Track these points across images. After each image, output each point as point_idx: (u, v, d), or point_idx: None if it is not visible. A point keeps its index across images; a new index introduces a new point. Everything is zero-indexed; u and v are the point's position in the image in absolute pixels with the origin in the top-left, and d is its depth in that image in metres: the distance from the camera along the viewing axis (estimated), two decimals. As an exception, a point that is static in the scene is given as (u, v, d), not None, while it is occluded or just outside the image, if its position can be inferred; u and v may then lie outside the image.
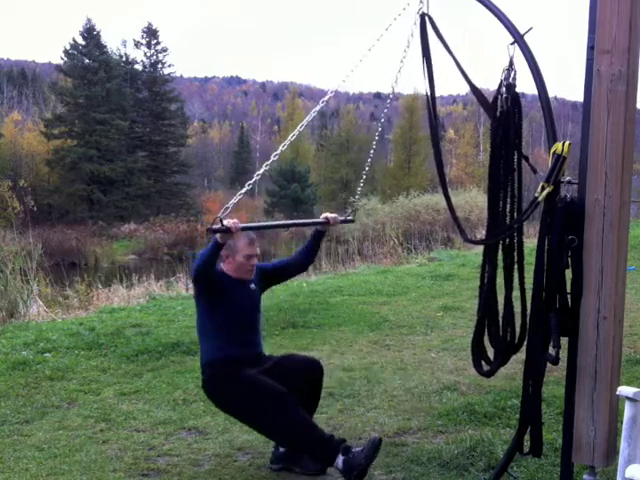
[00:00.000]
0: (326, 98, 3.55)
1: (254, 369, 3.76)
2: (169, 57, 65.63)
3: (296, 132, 3.57)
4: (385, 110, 4.09)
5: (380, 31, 3.40)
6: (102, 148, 43.83)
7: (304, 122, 3.56)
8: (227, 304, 3.77)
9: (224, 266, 3.87)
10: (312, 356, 4.07)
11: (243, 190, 3.46)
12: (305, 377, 3.87)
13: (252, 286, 3.95)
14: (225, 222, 3.40)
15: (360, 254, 16.45)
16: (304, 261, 4.15)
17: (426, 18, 3.32)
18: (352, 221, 4.17)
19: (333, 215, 3.99)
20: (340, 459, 3.53)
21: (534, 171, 3.22)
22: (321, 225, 4.01)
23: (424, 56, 3.32)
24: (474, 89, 3.32)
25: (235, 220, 3.42)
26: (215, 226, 3.38)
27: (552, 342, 2.95)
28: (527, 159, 3.22)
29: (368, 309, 8.57)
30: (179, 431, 4.54)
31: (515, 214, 3.16)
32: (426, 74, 3.33)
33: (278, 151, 3.60)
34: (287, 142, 3.57)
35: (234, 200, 3.42)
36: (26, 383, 5.58)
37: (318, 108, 3.61)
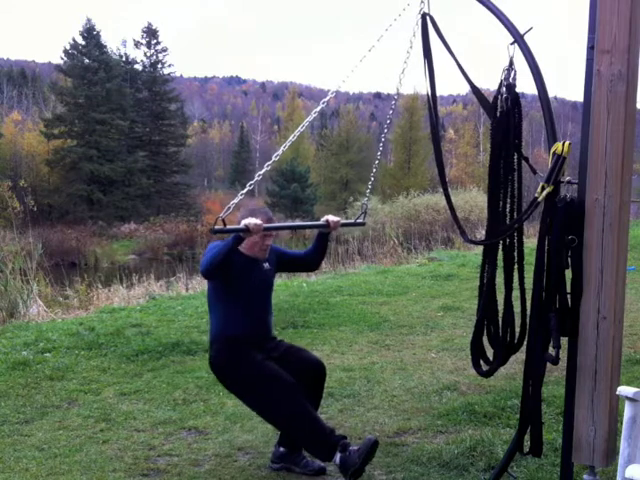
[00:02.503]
0: (326, 99, 3.54)
1: (263, 352, 3.75)
2: (169, 57, 65.72)
3: (297, 133, 3.56)
4: (390, 112, 4.00)
5: (380, 31, 3.40)
6: (102, 148, 43.84)
7: (305, 123, 3.54)
8: (239, 282, 3.72)
9: None
10: (317, 356, 4.05)
11: (244, 190, 3.42)
12: (309, 375, 3.86)
13: (266, 265, 3.90)
14: (245, 221, 3.41)
15: (360, 254, 16.43)
16: (312, 262, 4.12)
17: (427, 18, 3.32)
18: (362, 224, 4.00)
19: (335, 219, 3.87)
20: (338, 457, 3.55)
21: (534, 172, 3.22)
22: (321, 228, 3.94)
23: (425, 56, 3.32)
24: (474, 89, 3.32)
25: (258, 221, 3.43)
26: (230, 226, 3.36)
27: (552, 342, 2.95)
28: (527, 160, 3.22)
29: (368, 309, 8.57)
30: (179, 431, 4.54)
31: (515, 214, 3.16)
32: (427, 74, 3.33)
33: (279, 151, 3.55)
34: (287, 143, 3.56)
35: (235, 200, 3.39)
36: (26, 383, 5.58)
37: (318, 109, 3.58)
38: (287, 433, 3.80)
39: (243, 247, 3.74)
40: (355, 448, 3.56)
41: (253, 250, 3.82)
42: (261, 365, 3.69)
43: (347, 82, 3.55)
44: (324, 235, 4.00)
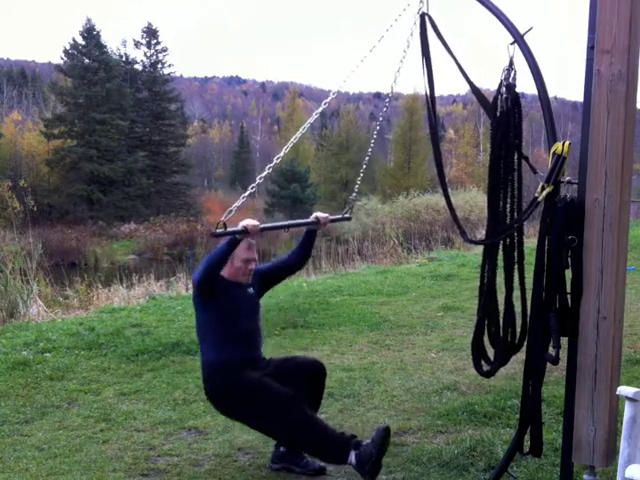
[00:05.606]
0: (328, 100, 3.53)
1: (257, 371, 3.75)
2: (169, 57, 65.70)
3: (298, 135, 3.57)
4: (385, 109, 4.04)
5: (380, 31, 3.40)
6: (102, 148, 43.81)
7: (305, 125, 3.56)
8: (225, 308, 3.76)
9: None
10: (314, 357, 4.05)
11: (246, 193, 3.46)
12: (307, 378, 3.86)
13: (250, 290, 3.92)
14: (244, 222, 3.43)
15: (360, 254, 16.42)
16: (298, 261, 4.11)
17: (426, 18, 3.32)
18: (349, 219, 4.11)
19: (324, 215, 3.93)
20: (353, 455, 3.48)
21: (534, 171, 3.22)
22: (312, 225, 3.96)
23: (424, 56, 3.32)
24: (474, 89, 3.32)
25: (256, 222, 3.44)
26: (229, 229, 3.38)
27: (552, 342, 2.95)
28: (527, 159, 3.22)
29: (368, 309, 8.57)
30: (179, 431, 4.54)
31: (515, 214, 3.16)
32: (425, 74, 3.33)
33: (281, 153, 3.53)
34: (289, 144, 3.56)
35: (237, 203, 3.41)
36: (26, 383, 5.58)
37: (320, 110, 3.63)
38: (299, 446, 3.76)
39: (226, 274, 3.79)
40: (367, 441, 3.51)
41: (237, 276, 3.84)
42: (259, 383, 3.67)
43: (347, 82, 3.55)
44: (312, 233, 4.02)
